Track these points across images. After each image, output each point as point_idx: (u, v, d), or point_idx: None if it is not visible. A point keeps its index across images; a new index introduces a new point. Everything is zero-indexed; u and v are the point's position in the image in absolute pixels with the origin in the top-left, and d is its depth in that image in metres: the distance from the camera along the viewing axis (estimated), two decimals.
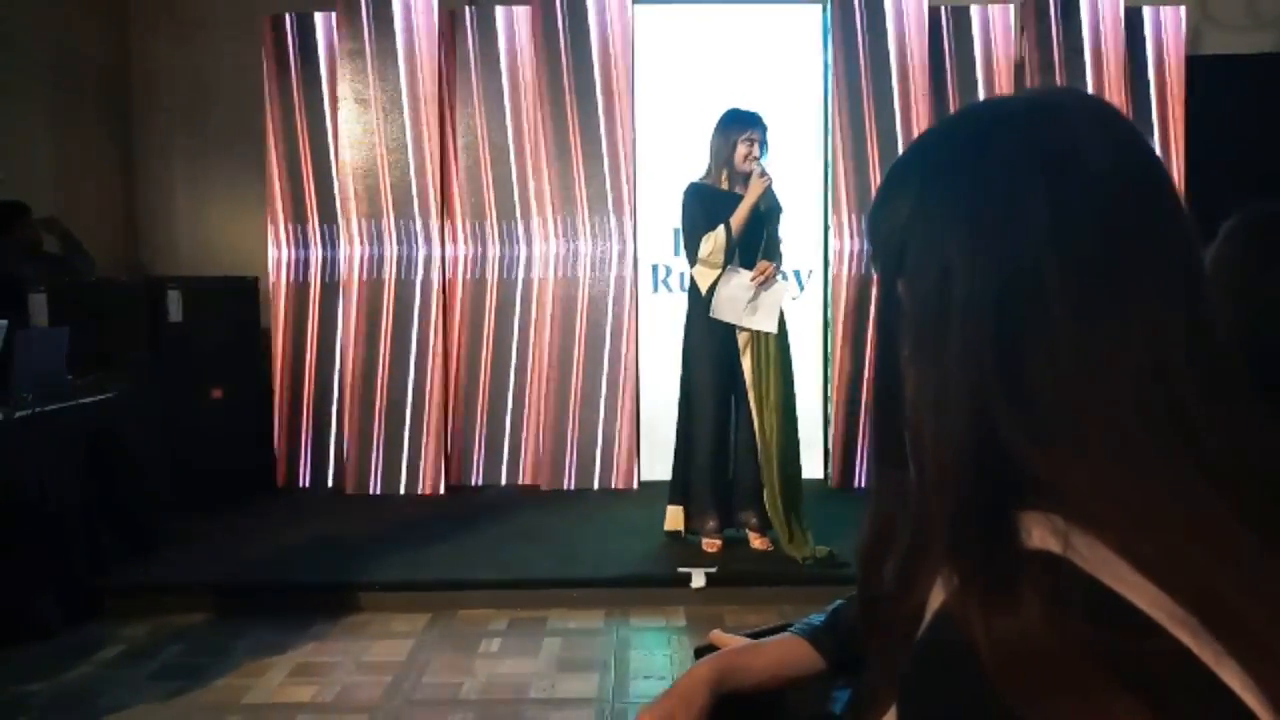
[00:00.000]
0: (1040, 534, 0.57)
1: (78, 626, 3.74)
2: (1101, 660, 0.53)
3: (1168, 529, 0.55)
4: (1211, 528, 0.55)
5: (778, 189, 4.21)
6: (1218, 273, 1.21)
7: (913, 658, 0.62)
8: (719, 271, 4.04)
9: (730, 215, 4.02)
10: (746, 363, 4.07)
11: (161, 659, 3.51)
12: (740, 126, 4.06)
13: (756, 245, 4.06)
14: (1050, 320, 0.58)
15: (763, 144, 4.06)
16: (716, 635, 1.21)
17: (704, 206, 4.07)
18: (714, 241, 4.04)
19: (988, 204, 0.60)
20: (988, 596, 0.55)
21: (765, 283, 4.03)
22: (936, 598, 0.61)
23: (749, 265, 4.05)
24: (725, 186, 4.08)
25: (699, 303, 4.13)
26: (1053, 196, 0.59)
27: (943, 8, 5.56)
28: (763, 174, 3.99)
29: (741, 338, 4.07)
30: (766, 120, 4.10)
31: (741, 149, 4.03)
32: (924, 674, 0.61)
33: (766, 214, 4.08)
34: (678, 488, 4.27)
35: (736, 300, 4.03)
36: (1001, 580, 0.56)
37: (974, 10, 5.56)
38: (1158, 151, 4.45)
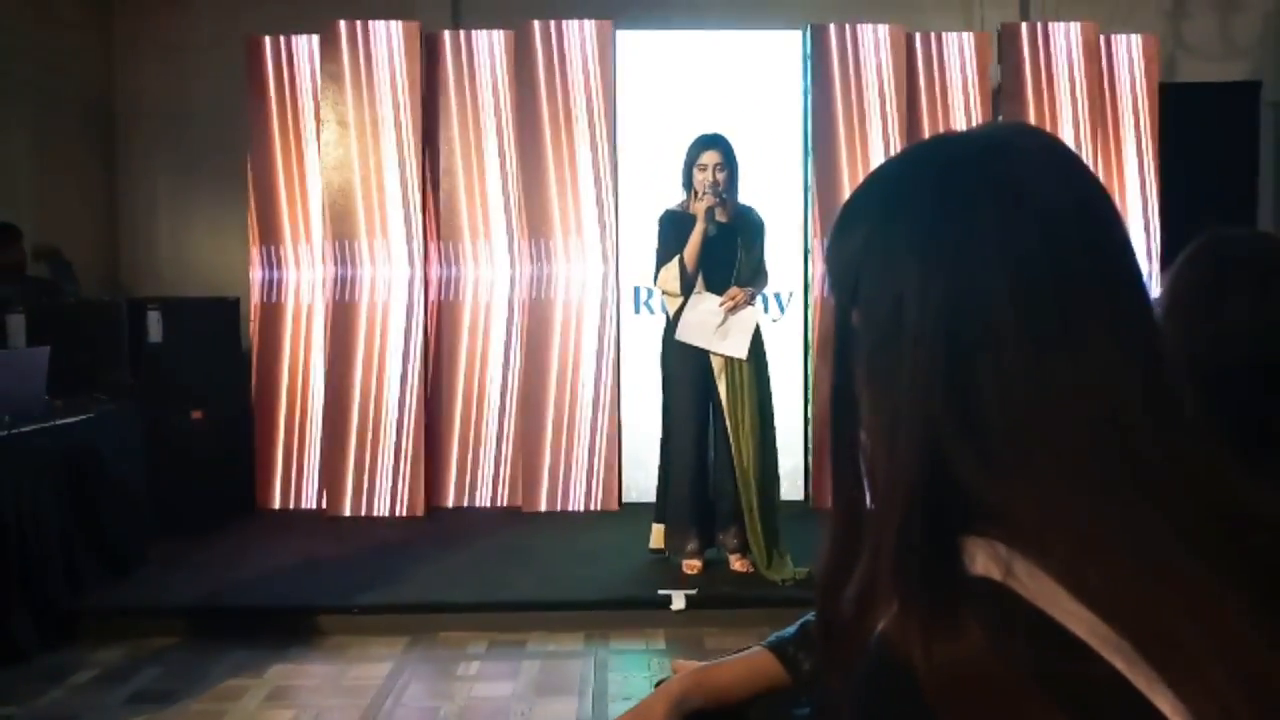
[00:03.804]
0: (983, 561, 0.58)
1: (53, 650, 3.71)
2: (1041, 684, 0.54)
3: (1113, 557, 0.56)
4: (1157, 556, 0.56)
5: (763, 211, 4.26)
6: (1176, 296, 1.23)
7: (857, 680, 0.63)
8: (681, 299, 4.07)
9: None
10: (722, 387, 4.09)
11: (137, 682, 3.48)
12: (695, 151, 4.08)
13: (728, 268, 4.09)
14: (1001, 352, 0.59)
15: (726, 166, 4.04)
16: (679, 664, 1.22)
17: (675, 233, 4.10)
18: (669, 272, 4.08)
19: (940, 237, 0.62)
20: (927, 621, 0.56)
21: (735, 308, 4.05)
22: (882, 621, 0.62)
23: (720, 289, 4.07)
24: (694, 212, 4.11)
25: (673, 325, 4.17)
26: (1004, 231, 0.60)
27: (920, 34, 5.63)
28: (700, 196, 4.01)
29: (716, 362, 4.09)
30: (731, 141, 4.09)
31: (697, 174, 4.05)
32: (866, 696, 0.61)
33: (730, 236, 4.09)
34: (661, 507, 4.29)
35: (705, 325, 4.05)
36: (942, 605, 0.57)
37: (951, 37, 5.64)
38: (1132, 177, 4.48)
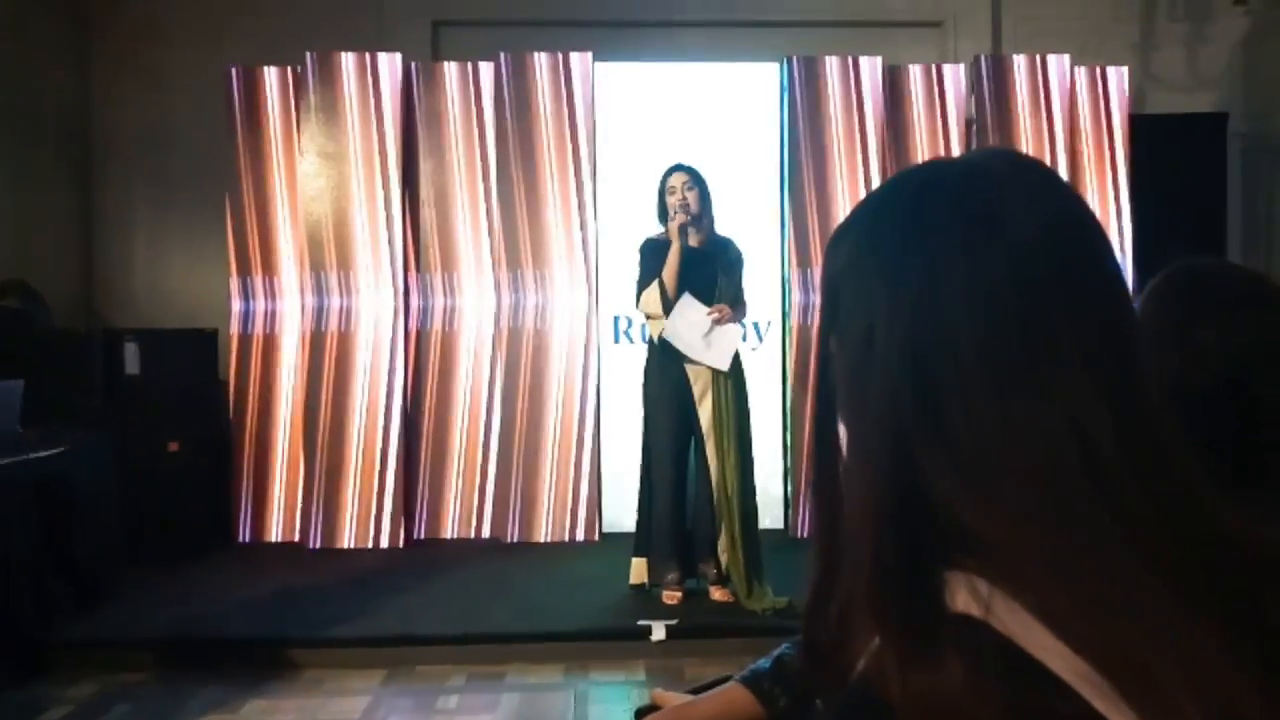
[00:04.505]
0: (964, 598, 0.58)
1: (24, 684, 3.64)
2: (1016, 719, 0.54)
3: (1083, 590, 0.56)
4: (1126, 589, 0.56)
5: (741, 242, 4.30)
6: (1144, 326, 1.24)
7: (835, 713, 0.63)
8: (664, 321, 4.11)
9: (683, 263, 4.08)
10: (704, 413, 4.10)
11: None
12: (664, 178, 4.18)
13: (709, 294, 4.11)
14: (966, 385, 0.59)
15: (695, 185, 4.11)
16: (659, 694, 1.21)
17: (655, 261, 4.14)
18: (650, 294, 4.13)
19: (909, 268, 0.62)
20: (908, 657, 0.56)
21: (720, 321, 4.08)
22: (864, 655, 0.62)
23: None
24: (669, 234, 4.15)
25: (656, 352, 4.18)
26: (971, 264, 0.61)
27: (895, 67, 5.70)
28: (673, 216, 4.07)
29: (697, 387, 4.11)
30: (702, 171, 4.17)
31: (669, 199, 4.12)
32: None
33: (708, 262, 4.12)
34: (641, 539, 4.28)
35: (692, 329, 4.07)
36: (923, 642, 0.57)
37: (925, 69, 5.72)
38: (1104, 207, 4.49)
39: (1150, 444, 0.60)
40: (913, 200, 0.65)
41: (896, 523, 0.60)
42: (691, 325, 4.07)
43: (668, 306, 4.10)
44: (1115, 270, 0.64)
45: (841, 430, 0.67)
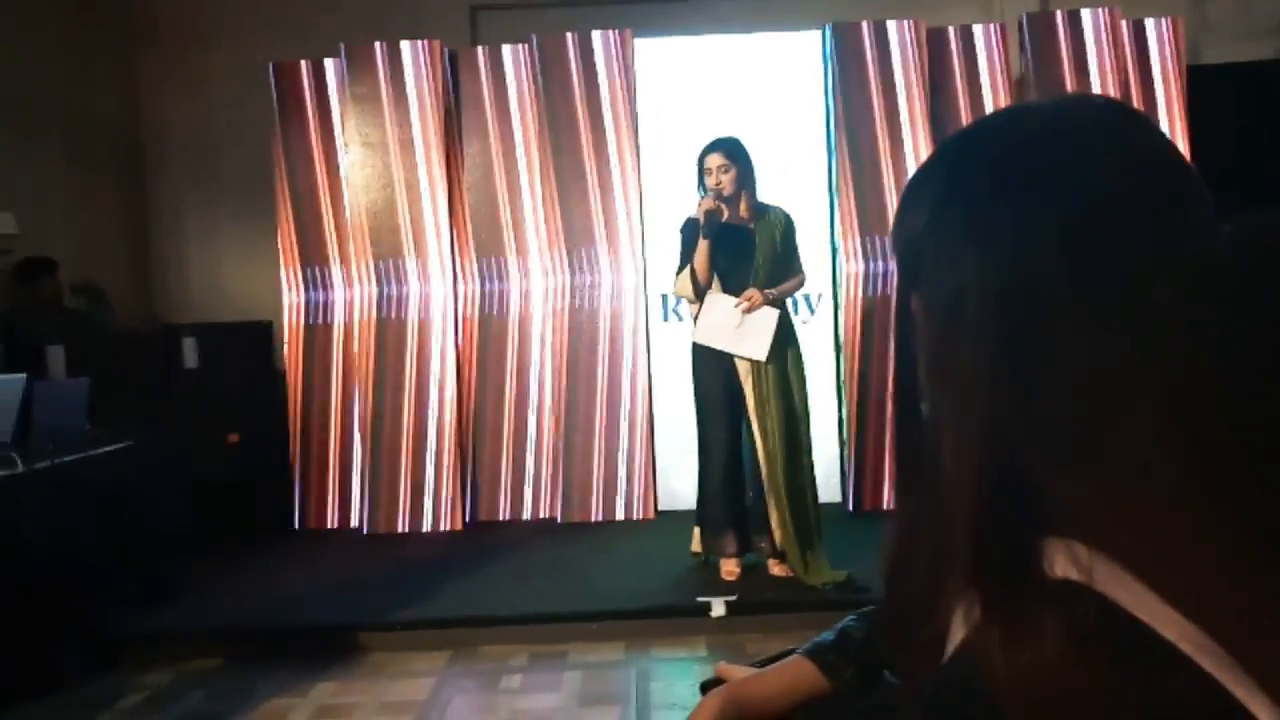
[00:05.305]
0: (1063, 563, 0.56)
1: (97, 677, 3.74)
2: (1124, 699, 0.51)
3: (1189, 558, 0.53)
4: (1238, 557, 0.53)
5: (794, 212, 4.23)
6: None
7: (933, 687, 0.61)
8: (699, 305, 4.08)
9: (716, 246, 4.03)
10: (748, 388, 4.06)
11: (183, 706, 3.51)
12: (701, 157, 4.09)
13: (744, 271, 4.06)
14: (1062, 346, 0.56)
15: (731, 166, 4.02)
16: (723, 668, 1.20)
17: (697, 240, 4.08)
18: (683, 280, 4.11)
19: (1000, 228, 0.59)
20: (1009, 629, 0.54)
21: (751, 309, 4.03)
22: (959, 626, 0.60)
23: (740, 290, 4.04)
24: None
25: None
26: (1065, 222, 0.58)
27: (941, 28, 5.59)
28: (701, 200, 4.01)
29: (741, 366, 4.07)
30: (742, 141, 4.09)
31: (707, 180, 4.05)
32: (941, 705, 0.60)
33: (748, 237, 4.06)
34: (701, 510, 4.27)
35: (722, 325, 4.03)
36: (1023, 612, 0.54)
37: (973, 29, 5.59)
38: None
39: (1255, 411, 0.57)
40: (999, 152, 0.62)
41: (993, 489, 0.57)
42: (721, 321, 4.03)
43: (700, 292, 4.08)
44: (1210, 217, 0.61)
45: (928, 393, 0.64)
